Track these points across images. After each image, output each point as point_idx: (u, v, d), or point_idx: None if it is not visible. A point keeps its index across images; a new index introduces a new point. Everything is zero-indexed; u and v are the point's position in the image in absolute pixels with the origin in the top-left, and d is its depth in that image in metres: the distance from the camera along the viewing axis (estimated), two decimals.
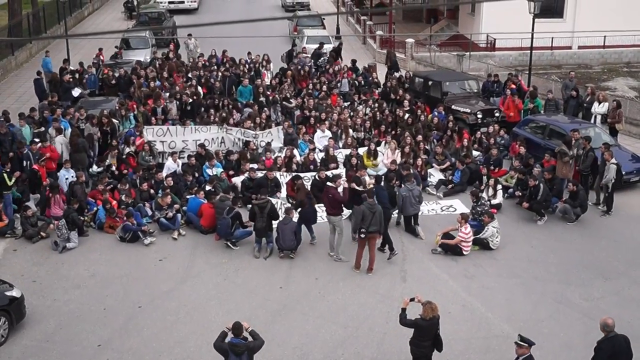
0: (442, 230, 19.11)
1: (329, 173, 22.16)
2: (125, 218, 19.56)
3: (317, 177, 21.70)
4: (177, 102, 26.90)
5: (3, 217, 19.77)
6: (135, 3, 54.10)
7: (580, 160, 21.76)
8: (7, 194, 20.34)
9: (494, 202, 21.02)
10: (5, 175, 20.42)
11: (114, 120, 24.75)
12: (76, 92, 28.77)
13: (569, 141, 21.89)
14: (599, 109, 26.01)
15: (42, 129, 23.73)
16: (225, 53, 33.72)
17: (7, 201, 20.27)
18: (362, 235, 17.53)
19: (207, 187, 21.14)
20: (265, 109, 26.91)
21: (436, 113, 26.85)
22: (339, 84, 30.88)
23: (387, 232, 18.30)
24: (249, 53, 33.82)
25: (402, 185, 19.78)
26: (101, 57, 33.74)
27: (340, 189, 18.90)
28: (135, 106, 26.67)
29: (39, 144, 22.27)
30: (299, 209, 19.31)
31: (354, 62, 34.10)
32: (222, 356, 12.41)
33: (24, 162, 21.48)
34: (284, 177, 22.51)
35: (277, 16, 54.24)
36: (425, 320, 12.94)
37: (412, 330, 13.12)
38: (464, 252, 18.58)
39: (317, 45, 36.12)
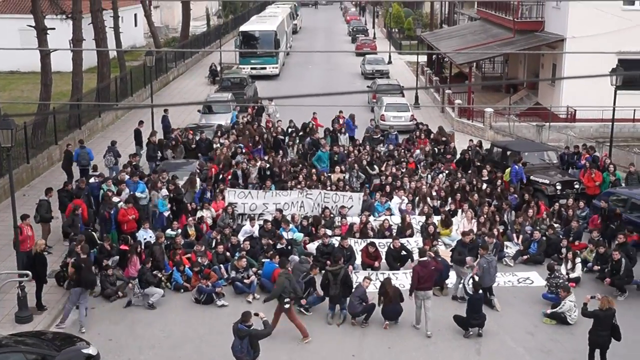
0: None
1: (403, 241, 22.16)
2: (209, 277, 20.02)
3: (391, 246, 21.67)
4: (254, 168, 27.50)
5: None
6: (219, 69, 55.71)
7: None
8: (92, 252, 20.81)
9: (572, 275, 20.57)
10: (94, 234, 21.04)
11: (198, 181, 25.37)
12: (168, 155, 29.85)
13: None
14: None
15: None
16: (315, 115, 34.73)
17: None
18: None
19: (279, 246, 21.42)
20: (342, 174, 27.14)
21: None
22: (414, 153, 30.97)
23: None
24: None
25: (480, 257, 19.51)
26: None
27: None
28: (214, 170, 27.27)
29: (120, 204, 22.90)
30: (383, 306, 18.47)
31: (428, 130, 34.20)
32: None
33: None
34: (358, 244, 22.49)
35: (356, 83, 55.04)
36: (602, 311, 15.51)
37: None
38: None
39: (394, 113, 36.59)
